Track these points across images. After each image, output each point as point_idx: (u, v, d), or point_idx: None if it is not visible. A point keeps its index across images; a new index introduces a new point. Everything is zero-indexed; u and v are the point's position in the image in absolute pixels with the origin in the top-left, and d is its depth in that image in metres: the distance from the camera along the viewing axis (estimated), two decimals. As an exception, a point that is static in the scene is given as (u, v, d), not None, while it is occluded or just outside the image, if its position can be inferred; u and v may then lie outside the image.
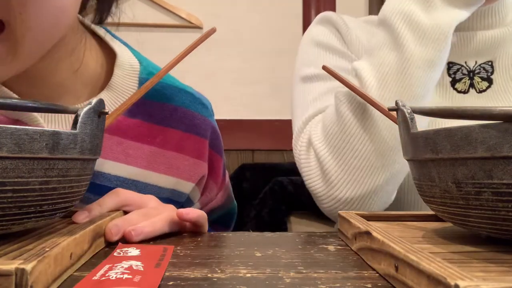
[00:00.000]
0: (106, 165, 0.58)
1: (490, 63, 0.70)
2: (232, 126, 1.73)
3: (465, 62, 0.70)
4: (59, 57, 0.56)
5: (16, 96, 0.55)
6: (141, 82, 0.60)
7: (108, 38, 0.62)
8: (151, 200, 0.55)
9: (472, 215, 0.35)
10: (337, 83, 0.69)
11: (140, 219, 0.49)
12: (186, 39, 1.75)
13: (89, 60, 0.59)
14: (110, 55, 0.62)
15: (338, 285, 0.34)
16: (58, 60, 0.56)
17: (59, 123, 0.58)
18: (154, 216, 0.51)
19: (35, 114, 0.56)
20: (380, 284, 0.34)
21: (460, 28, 0.70)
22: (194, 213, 0.52)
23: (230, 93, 1.75)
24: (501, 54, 0.70)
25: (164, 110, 0.62)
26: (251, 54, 1.77)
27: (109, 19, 0.63)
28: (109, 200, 0.51)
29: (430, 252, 0.31)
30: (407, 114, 0.41)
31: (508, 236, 0.34)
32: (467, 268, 0.30)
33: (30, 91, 0.57)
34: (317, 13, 1.79)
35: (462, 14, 0.61)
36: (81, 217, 0.46)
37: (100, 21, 0.61)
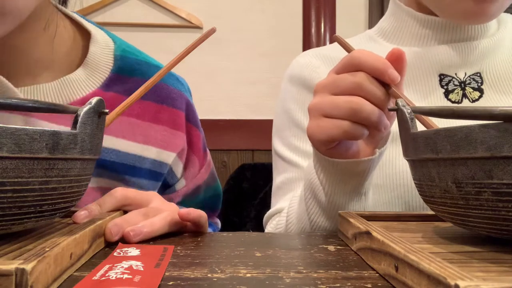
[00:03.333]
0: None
1: (478, 74, 0.72)
2: (232, 126, 1.73)
3: (455, 74, 0.72)
4: (36, 30, 0.58)
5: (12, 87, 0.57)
6: (116, 58, 0.63)
7: (80, 19, 0.64)
8: (153, 198, 0.55)
9: (472, 215, 0.35)
10: (293, 173, 0.73)
11: (140, 219, 0.49)
12: (186, 39, 1.75)
13: (64, 37, 0.62)
14: (85, 35, 0.64)
15: (338, 285, 0.34)
16: (35, 34, 0.58)
17: (40, 96, 0.59)
18: (154, 215, 0.51)
19: (9, 85, 0.57)
20: (380, 284, 0.34)
21: (447, 40, 0.72)
22: (195, 213, 0.52)
23: (230, 93, 1.75)
24: (488, 65, 0.72)
25: (140, 84, 0.64)
26: (251, 54, 1.77)
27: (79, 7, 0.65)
28: (109, 200, 0.51)
29: (430, 252, 0.31)
30: (407, 114, 0.41)
31: (508, 236, 0.34)
32: (467, 268, 0.30)
33: (12, 70, 0.59)
34: (317, 13, 1.80)
35: (356, 186, 0.56)
36: (80, 217, 0.46)
37: (65, 2, 0.64)
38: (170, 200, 0.67)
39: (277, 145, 0.78)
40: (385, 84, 0.49)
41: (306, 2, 1.79)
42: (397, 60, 0.50)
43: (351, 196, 0.57)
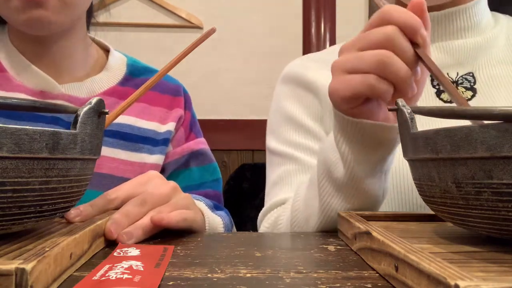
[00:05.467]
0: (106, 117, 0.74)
1: (471, 74, 0.70)
2: (232, 126, 1.73)
3: (447, 74, 0.70)
4: (78, 39, 0.77)
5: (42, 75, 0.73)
6: (128, 66, 0.83)
7: (101, 41, 0.85)
8: (149, 181, 0.56)
9: (472, 215, 0.35)
10: (290, 165, 0.71)
11: (137, 211, 0.50)
12: (186, 39, 1.75)
13: (93, 50, 0.82)
14: (105, 52, 0.85)
15: (338, 285, 0.34)
16: (77, 42, 0.77)
17: (76, 90, 0.76)
18: (152, 203, 0.51)
19: (55, 82, 0.73)
20: (380, 284, 0.34)
21: (438, 38, 0.71)
22: (170, 218, 0.51)
23: (230, 93, 1.75)
24: (480, 64, 0.71)
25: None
26: (251, 54, 1.77)
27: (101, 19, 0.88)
28: (101, 203, 0.51)
29: (430, 252, 0.31)
30: (407, 114, 0.41)
31: (508, 236, 0.34)
32: (467, 268, 0.30)
33: (58, 69, 0.76)
34: (317, 13, 1.79)
35: (380, 158, 0.53)
36: (71, 215, 0.46)
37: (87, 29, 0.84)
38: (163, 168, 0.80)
39: (272, 143, 0.77)
40: (413, 44, 0.47)
41: (306, 2, 1.79)
42: (420, 12, 0.47)
43: (374, 171, 0.52)
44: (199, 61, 1.72)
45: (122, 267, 0.36)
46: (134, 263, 0.37)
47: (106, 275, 0.34)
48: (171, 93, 0.84)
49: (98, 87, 0.78)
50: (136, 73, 0.83)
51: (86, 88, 0.77)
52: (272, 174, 0.76)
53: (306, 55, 0.83)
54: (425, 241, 0.40)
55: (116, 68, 0.82)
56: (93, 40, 0.84)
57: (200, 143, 0.86)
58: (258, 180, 1.49)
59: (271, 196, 0.75)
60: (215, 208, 0.73)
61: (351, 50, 0.49)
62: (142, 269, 0.35)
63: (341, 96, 0.50)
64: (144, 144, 0.78)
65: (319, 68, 0.76)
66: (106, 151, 0.75)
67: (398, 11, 0.47)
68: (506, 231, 0.34)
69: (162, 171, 0.81)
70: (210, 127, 1.73)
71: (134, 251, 0.42)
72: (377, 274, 0.37)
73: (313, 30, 1.78)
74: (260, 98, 1.75)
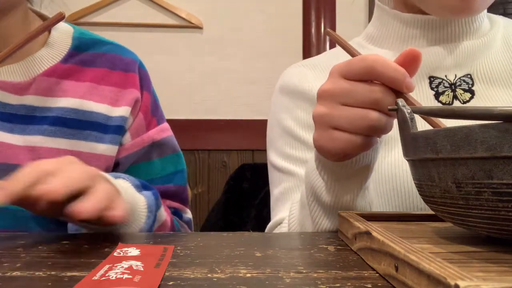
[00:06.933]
0: (49, 101, 0.70)
1: (469, 76, 0.70)
2: (232, 126, 1.73)
3: (445, 76, 0.71)
4: (17, 19, 0.70)
5: None
6: (74, 39, 0.75)
7: (43, 13, 0.77)
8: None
9: (472, 215, 0.35)
10: (291, 182, 0.72)
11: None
12: (186, 39, 1.75)
13: (35, 25, 0.73)
14: None
15: (338, 285, 0.34)
16: (16, 23, 0.70)
17: (10, 74, 0.70)
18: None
19: None
20: (380, 284, 0.34)
21: (436, 38, 0.71)
22: (87, 209, 0.45)
23: (230, 93, 1.75)
24: (479, 66, 0.71)
25: (94, 57, 0.76)
26: (251, 54, 1.77)
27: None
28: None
29: (430, 252, 0.31)
30: (407, 114, 0.41)
31: (508, 236, 0.34)
32: (467, 268, 0.30)
33: None
34: (317, 13, 1.80)
35: (362, 179, 0.55)
36: None
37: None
38: (118, 161, 0.73)
39: (272, 156, 0.77)
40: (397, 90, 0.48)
41: (306, 2, 1.79)
42: (412, 61, 0.48)
43: (358, 192, 0.55)
44: (199, 61, 1.72)
45: (122, 267, 0.36)
46: (134, 263, 0.37)
47: (106, 275, 0.34)
48: (123, 69, 0.76)
49: (37, 67, 0.70)
50: (82, 47, 0.75)
51: (23, 70, 0.70)
52: (274, 189, 0.76)
53: (299, 62, 0.82)
54: (425, 241, 0.40)
55: (59, 42, 0.74)
56: (36, 12, 0.76)
57: (162, 131, 0.78)
58: (258, 180, 1.49)
59: (275, 212, 0.76)
60: (143, 187, 0.67)
61: (335, 103, 0.49)
62: (142, 269, 0.36)
63: (329, 153, 0.52)
64: (92, 130, 0.71)
65: (317, 76, 0.76)
66: (47, 141, 0.68)
67: (383, 66, 0.47)
68: (506, 231, 0.34)
69: (117, 165, 0.74)
70: (210, 127, 1.73)
71: (134, 251, 0.42)
72: (377, 274, 0.37)
73: (313, 30, 1.78)
74: (260, 98, 1.76)
